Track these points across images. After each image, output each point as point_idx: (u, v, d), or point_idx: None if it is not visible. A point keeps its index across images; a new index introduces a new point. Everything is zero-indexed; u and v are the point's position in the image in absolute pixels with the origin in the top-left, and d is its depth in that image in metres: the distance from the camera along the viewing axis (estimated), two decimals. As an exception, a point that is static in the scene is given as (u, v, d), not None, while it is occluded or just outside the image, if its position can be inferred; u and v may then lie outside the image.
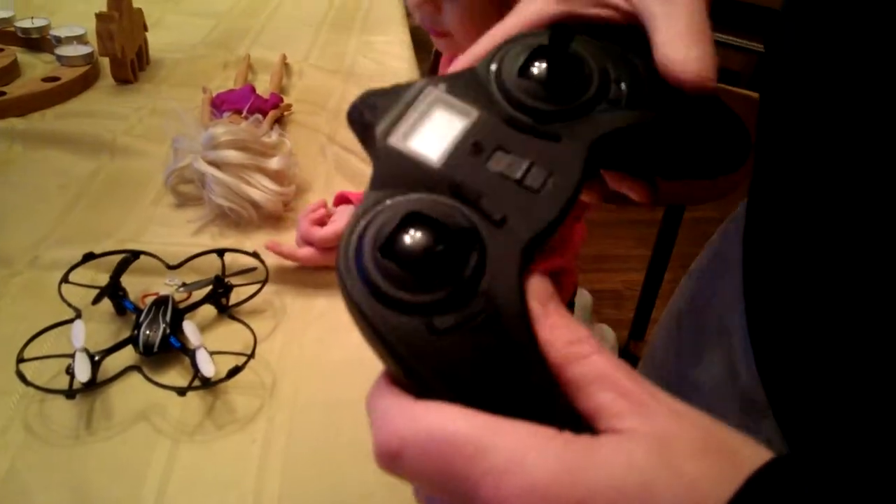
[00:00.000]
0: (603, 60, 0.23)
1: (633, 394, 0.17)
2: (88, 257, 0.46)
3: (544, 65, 0.23)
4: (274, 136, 0.59)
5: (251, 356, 0.42)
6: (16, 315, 0.45)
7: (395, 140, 0.22)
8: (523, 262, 0.19)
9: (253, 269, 0.49)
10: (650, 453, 0.16)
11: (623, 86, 0.23)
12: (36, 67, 0.73)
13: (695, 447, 0.16)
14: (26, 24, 0.75)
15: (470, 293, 0.18)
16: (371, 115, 0.23)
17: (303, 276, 0.50)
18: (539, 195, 0.21)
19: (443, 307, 0.18)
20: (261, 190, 0.55)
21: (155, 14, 0.83)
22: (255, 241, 0.53)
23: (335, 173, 0.63)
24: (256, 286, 0.47)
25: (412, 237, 0.18)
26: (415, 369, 0.18)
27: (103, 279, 0.45)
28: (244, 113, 0.64)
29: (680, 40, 0.24)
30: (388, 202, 0.20)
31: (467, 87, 0.23)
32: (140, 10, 0.73)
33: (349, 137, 0.65)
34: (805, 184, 0.29)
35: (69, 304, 0.43)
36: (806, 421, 0.32)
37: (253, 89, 0.68)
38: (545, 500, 0.15)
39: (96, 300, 0.44)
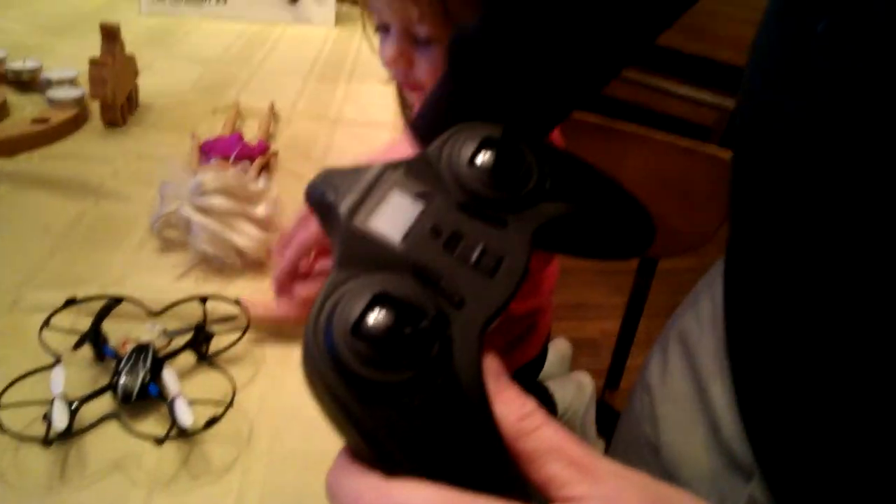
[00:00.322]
0: (533, 156, 0.26)
1: (581, 461, 0.18)
2: (70, 302, 0.47)
3: (492, 156, 0.25)
4: (260, 184, 0.60)
5: (230, 405, 0.42)
6: (-5, 357, 0.45)
7: (358, 221, 0.23)
8: (480, 342, 0.20)
9: (234, 318, 0.49)
10: None
11: (551, 179, 0.26)
12: (25, 108, 0.74)
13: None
14: (17, 65, 0.77)
15: (436, 373, 0.19)
16: (332, 195, 0.24)
17: (284, 325, 0.51)
18: (492, 279, 0.22)
19: (411, 387, 0.19)
20: (245, 237, 0.56)
21: (145, 58, 0.84)
22: (239, 287, 0.54)
23: (319, 221, 0.64)
24: (237, 334, 0.48)
25: (384, 318, 0.19)
26: (386, 449, 0.18)
27: (85, 324, 0.46)
28: (231, 160, 0.65)
29: None
30: (354, 282, 0.21)
31: (423, 172, 0.25)
32: (133, 57, 0.75)
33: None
34: (782, 240, 0.30)
35: (49, 350, 0.43)
36: (794, 480, 0.33)
37: (240, 137, 0.70)
38: None
39: (77, 346, 0.44)
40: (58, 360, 0.43)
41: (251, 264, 0.56)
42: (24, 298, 0.49)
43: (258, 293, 0.53)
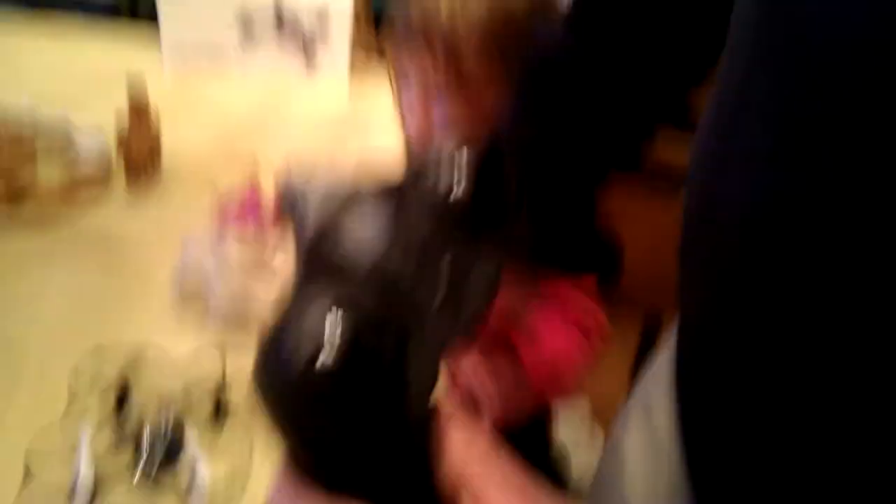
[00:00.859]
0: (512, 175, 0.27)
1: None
2: (98, 351, 0.50)
3: (469, 183, 0.25)
4: (274, 257, 0.63)
5: (248, 463, 0.44)
6: (28, 401, 0.47)
7: (328, 233, 0.23)
8: (436, 363, 0.22)
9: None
10: None
11: (526, 201, 0.27)
12: (54, 164, 0.77)
13: None
14: (48, 117, 0.81)
15: (388, 393, 0.20)
16: (303, 208, 0.24)
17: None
18: (462, 294, 0.23)
19: (362, 404, 0.20)
20: (258, 298, 0.59)
21: (167, 115, 0.89)
22: (251, 341, 0.56)
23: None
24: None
25: (345, 333, 0.19)
26: (334, 469, 0.20)
27: (112, 372, 0.48)
28: (251, 222, 0.69)
29: None
30: (318, 295, 0.21)
31: (395, 191, 0.25)
32: (157, 118, 0.79)
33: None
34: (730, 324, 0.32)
35: (76, 397, 0.46)
36: None
37: (258, 199, 0.73)
38: None
39: (104, 393, 0.47)
40: (81, 407, 0.45)
41: (263, 323, 0.59)
42: (58, 346, 0.52)
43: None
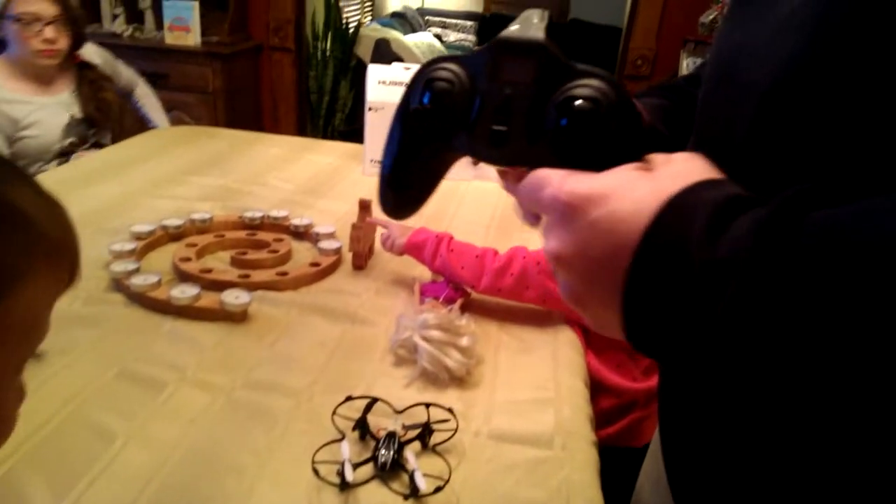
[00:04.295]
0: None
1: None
2: (348, 399, 0.71)
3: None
4: (464, 321, 0.83)
5: (447, 481, 0.63)
6: (301, 431, 0.69)
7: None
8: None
9: (447, 420, 0.71)
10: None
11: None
12: (300, 252, 1.05)
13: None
14: (297, 221, 1.09)
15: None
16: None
17: (481, 426, 0.71)
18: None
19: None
20: (454, 360, 0.79)
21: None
22: (448, 396, 0.76)
23: (503, 349, 0.86)
24: (450, 432, 0.69)
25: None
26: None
27: (355, 414, 0.70)
28: (441, 299, 0.90)
29: None
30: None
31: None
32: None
33: (515, 330, 0.88)
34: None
35: (337, 429, 0.68)
36: None
37: (447, 282, 0.95)
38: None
39: (354, 428, 0.68)
40: (343, 437, 0.66)
41: (456, 380, 0.79)
42: (317, 393, 0.75)
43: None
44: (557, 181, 0.32)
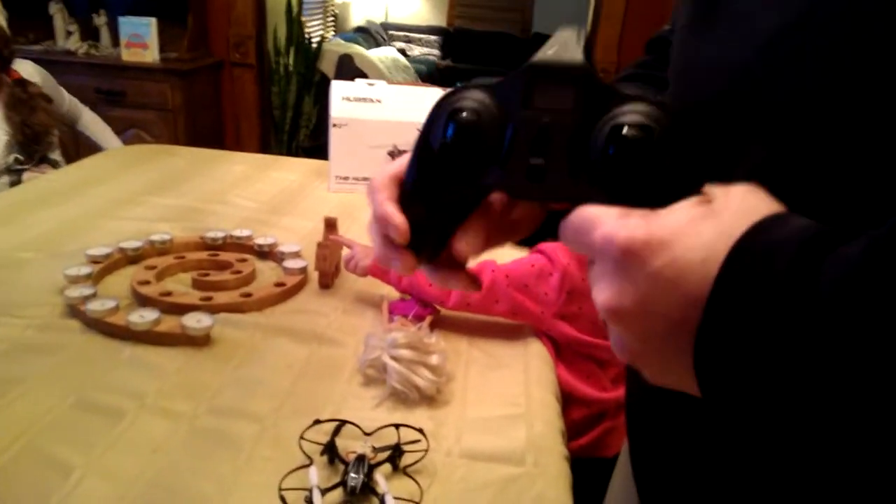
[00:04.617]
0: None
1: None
2: (316, 422, 0.70)
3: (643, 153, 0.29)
4: (433, 339, 0.82)
5: (419, 503, 0.62)
6: (267, 458, 0.68)
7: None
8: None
9: (418, 441, 0.70)
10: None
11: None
12: (264, 272, 1.03)
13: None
14: (261, 240, 1.07)
15: None
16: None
17: (453, 445, 0.71)
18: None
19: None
20: (423, 379, 0.78)
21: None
22: (419, 415, 0.75)
23: (474, 365, 0.85)
24: (421, 452, 0.68)
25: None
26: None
27: (323, 437, 0.68)
28: (409, 317, 0.89)
29: None
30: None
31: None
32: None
33: (485, 346, 0.88)
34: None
35: (305, 454, 0.66)
36: None
37: (415, 299, 0.94)
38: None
39: (322, 453, 0.66)
40: (311, 462, 0.65)
41: (427, 399, 0.77)
42: (283, 416, 0.73)
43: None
44: (611, 223, 0.28)
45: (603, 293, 0.29)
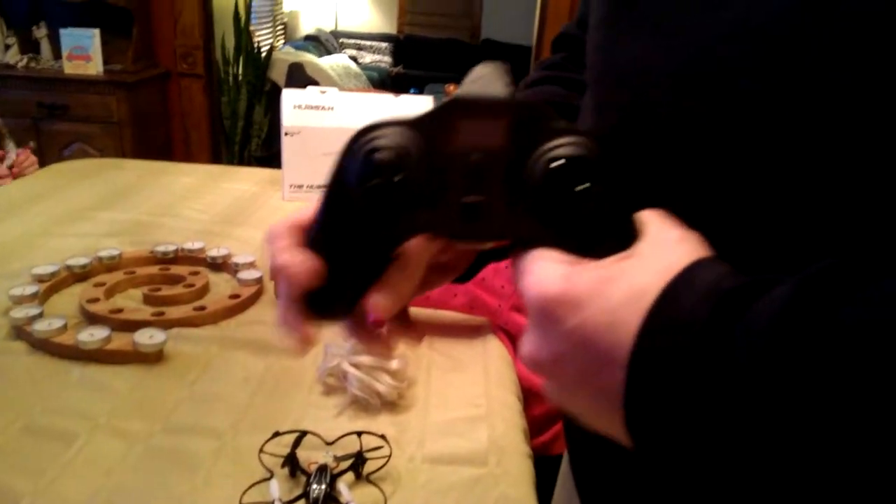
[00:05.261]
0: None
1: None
2: (276, 435, 0.69)
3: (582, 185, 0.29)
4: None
5: (384, 509, 0.61)
6: (226, 474, 0.66)
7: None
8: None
9: (380, 447, 0.69)
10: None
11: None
12: (218, 285, 1.01)
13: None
14: (214, 252, 1.05)
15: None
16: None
17: (415, 450, 0.70)
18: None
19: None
20: (384, 384, 0.78)
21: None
22: (381, 422, 0.74)
23: (434, 369, 0.85)
24: (384, 459, 0.68)
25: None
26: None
27: (283, 450, 0.67)
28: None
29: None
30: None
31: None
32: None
33: (445, 348, 0.88)
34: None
35: (265, 467, 0.65)
36: None
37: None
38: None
39: (283, 465, 0.65)
40: (272, 475, 0.64)
41: (388, 405, 0.77)
42: (242, 431, 0.72)
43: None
44: (535, 274, 0.28)
45: (525, 344, 0.29)
